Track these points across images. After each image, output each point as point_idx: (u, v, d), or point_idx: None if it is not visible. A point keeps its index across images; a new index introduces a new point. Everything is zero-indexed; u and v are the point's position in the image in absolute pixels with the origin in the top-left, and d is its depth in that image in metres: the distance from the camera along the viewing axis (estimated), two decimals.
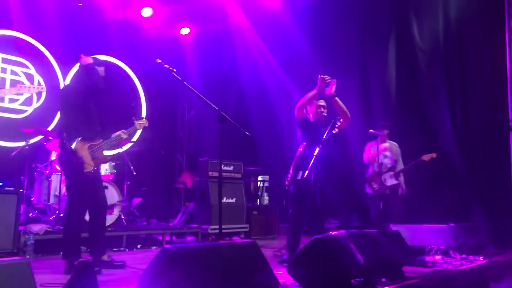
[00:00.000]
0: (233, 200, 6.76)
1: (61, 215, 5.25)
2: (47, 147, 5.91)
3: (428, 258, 4.34)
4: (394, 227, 4.56)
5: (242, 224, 6.78)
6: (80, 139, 3.84)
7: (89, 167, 3.81)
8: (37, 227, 4.78)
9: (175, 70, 3.71)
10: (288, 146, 8.42)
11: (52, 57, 7.60)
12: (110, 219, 5.59)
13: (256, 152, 9.01)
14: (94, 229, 3.95)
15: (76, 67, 5.87)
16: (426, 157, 5.89)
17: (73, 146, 3.80)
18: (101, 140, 4.03)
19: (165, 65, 3.69)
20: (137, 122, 4.60)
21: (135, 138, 8.23)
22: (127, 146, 7.45)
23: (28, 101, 7.17)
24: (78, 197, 3.84)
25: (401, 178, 6.13)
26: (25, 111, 7.15)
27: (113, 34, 8.13)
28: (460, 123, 6.49)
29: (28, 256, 4.40)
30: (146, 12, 8.42)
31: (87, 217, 4.04)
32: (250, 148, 8.98)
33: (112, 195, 5.71)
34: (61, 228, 4.89)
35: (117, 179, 6.29)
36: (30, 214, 5.50)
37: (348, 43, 7.90)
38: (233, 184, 6.87)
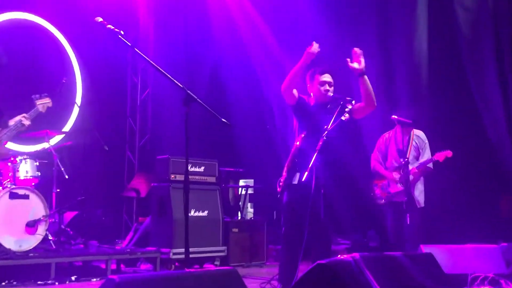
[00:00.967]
0: (205, 213, 6.75)
1: None
2: None
3: None
4: (425, 248, 4.60)
5: (217, 246, 6.78)
6: None
7: None
8: None
9: (122, 32, 3.67)
10: (281, 139, 8.46)
11: None
12: (32, 240, 5.53)
13: (236, 148, 9.03)
14: None
15: None
16: (438, 156, 5.94)
17: None
18: None
19: (109, 26, 3.65)
20: (39, 102, 4.53)
21: (67, 128, 8.15)
22: (56, 139, 7.38)
23: None
24: None
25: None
26: None
27: None
28: None
29: None
30: None
31: None
32: (228, 142, 9.00)
33: (34, 207, 5.64)
34: None
35: (42, 186, 6.21)
36: None
37: (363, 4, 7.98)
38: (205, 192, 6.86)
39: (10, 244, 5.43)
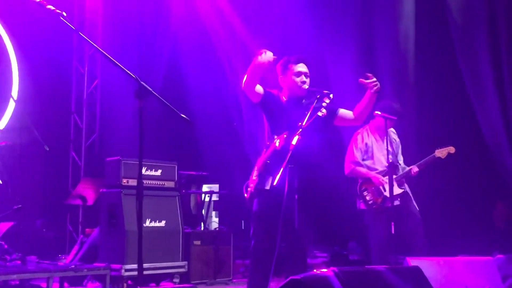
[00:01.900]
0: (162, 223, 6.70)
1: None
2: None
3: None
4: (412, 261, 4.63)
5: (176, 261, 6.74)
6: None
7: None
8: None
9: (65, 14, 3.61)
10: (250, 139, 8.45)
11: None
12: None
13: (198, 148, 9.01)
14: None
15: None
16: (440, 153, 6.03)
17: None
18: None
19: (49, 6, 3.59)
20: None
21: (1, 126, 8.00)
22: None
23: None
24: None
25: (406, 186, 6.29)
26: None
27: None
28: None
29: None
30: None
31: None
32: (190, 141, 8.97)
33: None
34: None
35: None
36: None
37: None
38: (162, 198, 6.82)
39: None
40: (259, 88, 4.63)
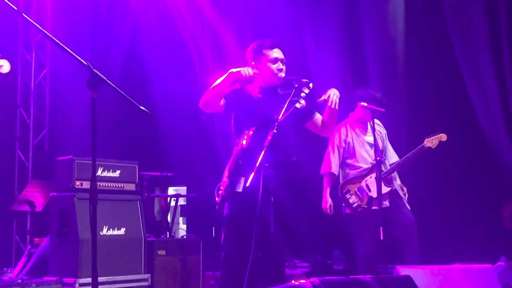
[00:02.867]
0: (122, 231, 6.68)
1: None
2: None
3: None
4: (402, 270, 4.68)
5: (138, 273, 6.71)
6: None
7: None
8: None
9: None
10: (220, 135, 8.46)
11: None
12: None
13: (163, 146, 9.00)
14: None
15: None
16: (430, 142, 6.08)
17: None
18: None
19: None
20: None
21: None
22: None
23: None
24: None
25: (397, 183, 6.34)
26: None
27: None
28: None
29: None
30: None
31: None
32: (153, 138, 8.96)
33: None
34: None
35: None
36: None
37: None
38: (122, 203, 6.78)
39: None
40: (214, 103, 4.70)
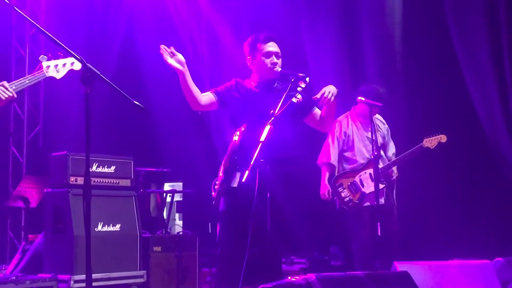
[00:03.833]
0: (117, 227, 6.67)
1: None
2: None
3: None
4: (400, 266, 4.68)
5: (133, 270, 6.71)
6: None
7: None
8: None
9: None
10: (217, 130, 8.44)
11: None
12: None
13: (158, 141, 8.99)
14: None
15: None
16: (429, 142, 6.09)
17: None
18: None
19: None
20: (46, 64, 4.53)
21: None
22: None
23: None
24: None
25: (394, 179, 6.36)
26: None
27: None
28: None
29: None
30: None
31: None
32: (148, 134, 8.94)
33: None
34: None
35: None
36: None
37: None
38: (117, 199, 6.79)
39: None
40: (208, 97, 4.76)
